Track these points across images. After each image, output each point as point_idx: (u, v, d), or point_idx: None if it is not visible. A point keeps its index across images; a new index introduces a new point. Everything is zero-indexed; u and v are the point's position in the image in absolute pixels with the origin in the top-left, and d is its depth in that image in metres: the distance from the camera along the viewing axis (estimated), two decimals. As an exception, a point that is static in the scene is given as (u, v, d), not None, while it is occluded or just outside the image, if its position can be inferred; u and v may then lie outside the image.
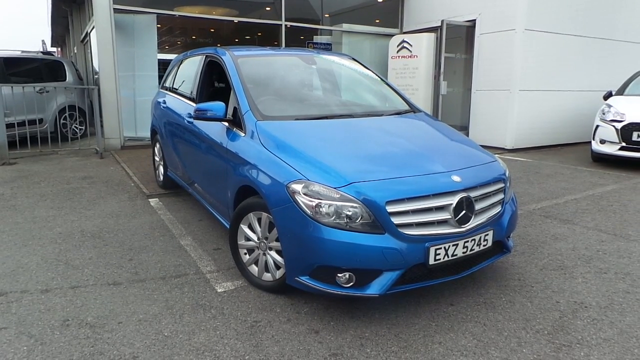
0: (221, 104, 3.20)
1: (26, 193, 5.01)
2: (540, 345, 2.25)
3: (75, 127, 8.67)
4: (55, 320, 2.45)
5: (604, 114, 6.77)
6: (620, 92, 7.21)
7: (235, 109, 3.22)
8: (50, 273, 3.04)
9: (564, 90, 8.51)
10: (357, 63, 4.27)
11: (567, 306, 2.64)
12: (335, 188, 2.35)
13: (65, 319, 2.46)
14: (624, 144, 6.41)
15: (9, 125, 6.66)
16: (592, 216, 4.32)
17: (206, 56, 4.07)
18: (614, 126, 6.51)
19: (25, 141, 6.94)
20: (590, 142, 7.03)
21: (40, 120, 7.71)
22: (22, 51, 9.16)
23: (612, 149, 6.56)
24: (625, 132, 6.38)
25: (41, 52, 10.56)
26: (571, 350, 2.22)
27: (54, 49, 22.44)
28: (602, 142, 6.69)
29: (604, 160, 6.98)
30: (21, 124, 6.90)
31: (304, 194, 2.37)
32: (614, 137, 6.49)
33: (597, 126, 6.80)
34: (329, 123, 3.19)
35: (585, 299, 2.72)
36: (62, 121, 8.39)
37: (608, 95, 7.20)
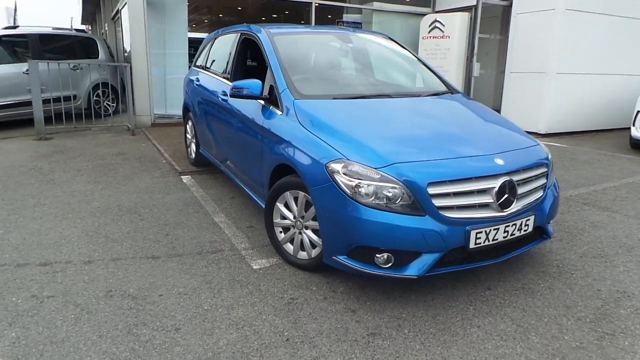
0: (258, 82, 3.18)
1: (63, 167, 5.14)
2: (583, 333, 2.21)
3: (107, 104, 8.81)
4: (100, 291, 2.53)
5: (646, 99, 6.49)
6: (665, 76, 6.90)
7: (271, 87, 3.20)
8: (91, 245, 3.13)
9: (603, 74, 8.16)
10: (393, 42, 4.18)
11: (609, 295, 2.58)
12: (375, 168, 2.33)
13: (108, 290, 2.54)
14: (666, 131, 6.16)
15: (45, 101, 6.81)
16: (632, 204, 4.18)
17: (241, 34, 4.04)
18: (656, 112, 6.25)
19: (60, 117, 7.10)
20: (629, 128, 6.76)
21: (74, 97, 7.86)
22: (54, 28, 9.26)
23: (653, 136, 6.31)
24: (669, 118, 6.12)
25: (75, 29, 10.70)
26: (615, 339, 2.18)
27: (84, 27, 22.72)
28: (643, 128, 6.43)
29: (643, 148, 6.73)
30: (56, 100, 7.05)
31: (344, 173, 2.36)
32: (656, 123, 6.23)
33: (638, 112, 6.52)
34: (368, 103, 3.15)
35: (627, 288, 2.65)
36: (94, 98, 8.54)
37: (651, 80, 6.89)
